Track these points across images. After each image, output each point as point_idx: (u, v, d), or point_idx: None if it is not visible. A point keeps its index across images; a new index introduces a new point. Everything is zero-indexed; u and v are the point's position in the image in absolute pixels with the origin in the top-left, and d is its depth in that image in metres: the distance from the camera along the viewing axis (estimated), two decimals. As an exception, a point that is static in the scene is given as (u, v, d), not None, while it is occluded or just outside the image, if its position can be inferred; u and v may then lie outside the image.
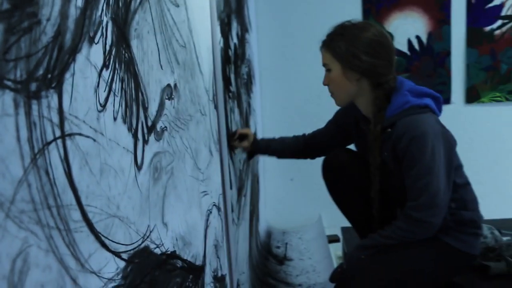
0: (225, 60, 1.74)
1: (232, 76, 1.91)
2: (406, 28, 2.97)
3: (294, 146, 1.90)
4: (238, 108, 2.03)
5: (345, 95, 1.56)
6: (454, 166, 1.49)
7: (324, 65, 1.57)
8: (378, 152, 1.52)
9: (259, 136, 2.94)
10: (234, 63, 2.00)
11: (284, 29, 3.06)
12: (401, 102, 1.47)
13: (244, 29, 2.44)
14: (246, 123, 2.30)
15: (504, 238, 1.88)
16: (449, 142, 1.48)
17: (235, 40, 2.08)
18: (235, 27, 2.11)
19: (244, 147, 1.86)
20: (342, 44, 1.50)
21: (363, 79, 1.51)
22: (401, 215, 1.49)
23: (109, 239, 0.64)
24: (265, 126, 3.12)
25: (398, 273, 1.53)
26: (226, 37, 1.81)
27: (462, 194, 1.53)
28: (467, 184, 1.57)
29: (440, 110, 1.55)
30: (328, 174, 1.81)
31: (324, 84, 1.60)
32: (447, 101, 2.99)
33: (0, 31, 0.41)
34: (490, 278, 1.68)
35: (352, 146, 1.83)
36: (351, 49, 1.49)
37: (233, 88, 1.91)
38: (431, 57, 2.97)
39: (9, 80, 0.43)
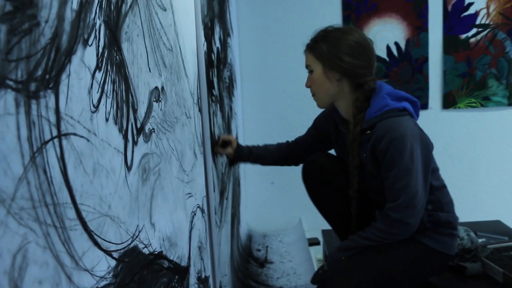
0: (208, 64, 1.76)
1: (215, 80, 1.93)
2: (385, 35, 3.03)
3: (278, 153, 1.92)
4: (220, 112, 2.05)
5: (326, 96, 1.59)
6: (431, 169, 1.53)
7: (307, 66, 1.61)
8: (357, 152, 1.56)
9: (241, 140, 2.97)
10: (216, 67, 2.01)
11: (265, 34, 3.09)
12: (381, 105, 1.51)
13: (226, 33, 2.46)
14: (228, 126, 2.32)
15: (480, 240, 1.94)
16: (427, 145, 1.52)
17: (217, 44, 2.10)
18: (217, 32, 2.13)
19: (227, 153, 1.87)
20: (324, 46, 1.55)
21: (344, 80, 1.55)
22: (379, 217, 1.53)
23: (101, 238, 0.65)
24: (246, 130, 3.14)
25: (378, 274, 1.56)
26: (209, 41, 1.83)
27: (438, 196, 1.58)
28: (443, 186, 1.62)
29: (417, 114, 1.59)
30: (308, 177, 1.83)
31: (307, 86, 1.64)
32: (425, 106, 3.06)
33: (3, 32, 0.43)
34: (467, 279, 1.73)
35: (332, 151, 1.86)
36: (333, 50, 1.54)
37: (216, 92, 1.93)
38: (409, 63, 3.04)
39: (11, 80, 0.44)
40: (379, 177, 1.53)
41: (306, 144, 1.89)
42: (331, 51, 1.54)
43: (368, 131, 1.52)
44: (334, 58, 1.53)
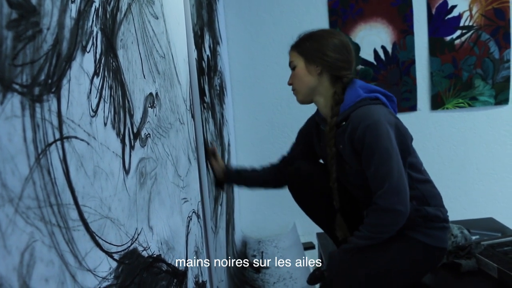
0: (199, 71, 1.78)
1: (206, 87, 1.95)
2: (372, 39, 3.08)
3: (265, 175, 1.93)
4: (212, 119, 2.07)
5: (306, 89, 1.65)
6: (409, 160, 1.55)
7: (290, 63, 1.68)
8: (333, 142, 1.59)
9: (233, 147, 2.99)
10: (207, 75, 2.03)
11: (254, 42, 3.12)
12: (354, 96, 1.57)
13: (215, 41, 2.48)
14: (220, 133, 2.34)
15: (473, 237, 1.97)
16: (402, 132, 1.54)
17: (207, 52, 2.13)
18: (207, 40, 2.15)
19: (219, 164, 1.91)
20: (308, 43, 1.64)
21: (324, 74, 1.62)
22: (369, 212, 1.54)
23: (102, 239, 0.67)
24: (237, 137, 3.16)
25: (375, 272, 1.57)
26: (199, 49, 1.85)
27: (422, 190, 1.58)
28: (427, 181, 1.62)
29: (395, 110, 1.62)
30: (293, 185, 1.86)
31: (289, 83, 1.70)
32: (414, 108, 3.10)
33: (10, 38, 0.44)
34: (462, 275, 1.75)
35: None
36: (316, 45, 1.62)
37: (207, 99, 1.95)
38: (397, 66, 3.08)
39: (16, 84, 0.46)
40: (360, 170, 1.55)
41: (293, 158, 1.90)
42: (314, 46, 1.62)
43: (344, 122, 1.56)
44: (317, 52, 1.61)
